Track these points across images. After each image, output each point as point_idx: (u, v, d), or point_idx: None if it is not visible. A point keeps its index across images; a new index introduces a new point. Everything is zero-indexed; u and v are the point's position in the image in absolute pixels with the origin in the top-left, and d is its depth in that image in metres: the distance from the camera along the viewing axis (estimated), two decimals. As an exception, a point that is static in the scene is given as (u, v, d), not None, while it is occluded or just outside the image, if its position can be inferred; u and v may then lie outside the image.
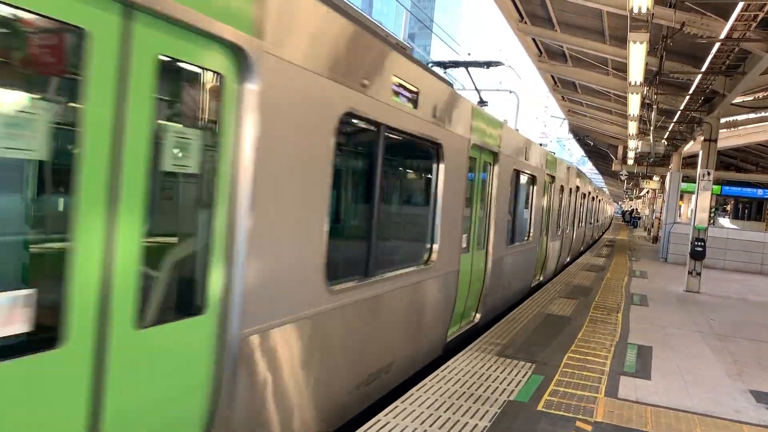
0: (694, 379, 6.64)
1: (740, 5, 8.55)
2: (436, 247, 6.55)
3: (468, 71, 9.82)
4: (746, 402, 6.04)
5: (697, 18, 9.96)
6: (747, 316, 11.25)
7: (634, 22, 8.73)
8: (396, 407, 4.96)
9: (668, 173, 24.67)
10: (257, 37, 3.29)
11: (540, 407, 5.30)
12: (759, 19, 8.85)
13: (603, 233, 39.55)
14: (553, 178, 13.93)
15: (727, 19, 9.27)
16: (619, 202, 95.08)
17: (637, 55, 9.95)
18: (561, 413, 5.20)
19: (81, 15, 2.38)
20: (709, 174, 14.34)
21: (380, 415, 4.75)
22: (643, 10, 7.80)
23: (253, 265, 3.43)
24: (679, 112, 16.67)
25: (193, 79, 3.15)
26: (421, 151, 6.42)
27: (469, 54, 40.93)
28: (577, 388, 5.91)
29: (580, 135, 32.60)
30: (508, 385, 5.80)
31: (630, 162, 28.46)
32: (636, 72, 10.99)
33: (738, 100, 14.84)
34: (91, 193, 2.51)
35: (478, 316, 8.58)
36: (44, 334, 2.41)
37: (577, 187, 18.96)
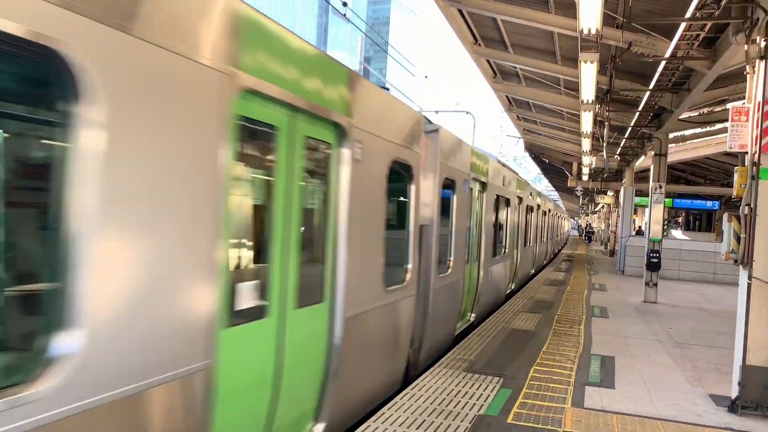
0: (657, 387, 6.81)
1: (683, 25, 8.97)
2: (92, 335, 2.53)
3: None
4: (707, 406, 6.22)
5: (644, 38, 10.38)
6: (702, 324, 11.60)
7: (585, 43, 9.06)
8: (368, 426, 4.95)
9: (622, 188, 25.38)
10: None
11: (510, 420, 5.36)
12: (701, 38, 9.29)
13: (560, 249, 40.17)
14: (483, 185, 10.51)
15: (671, 38, 9.69)
16: (576, 218, 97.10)
17: (589, 74, 10.32)
18: (530, 425, 5.27)
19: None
20: (660, 187, 14.85)
21: (353, 435, 4.72)
22: (593, 31, 8.11)
23: None
24: (630, 128, 17.25)
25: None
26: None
27: (426, 77, 41.58)
28: (544, 400, 6.00)
29: (535, 153, 33.29)
30: (477, 400, 5.86)
31: (585, 178, 29.23)
32: (588, 90, 11.37)
33: (685, 115, 15.46)
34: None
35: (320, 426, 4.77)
36: None
37: (520, 198, 15.28)
